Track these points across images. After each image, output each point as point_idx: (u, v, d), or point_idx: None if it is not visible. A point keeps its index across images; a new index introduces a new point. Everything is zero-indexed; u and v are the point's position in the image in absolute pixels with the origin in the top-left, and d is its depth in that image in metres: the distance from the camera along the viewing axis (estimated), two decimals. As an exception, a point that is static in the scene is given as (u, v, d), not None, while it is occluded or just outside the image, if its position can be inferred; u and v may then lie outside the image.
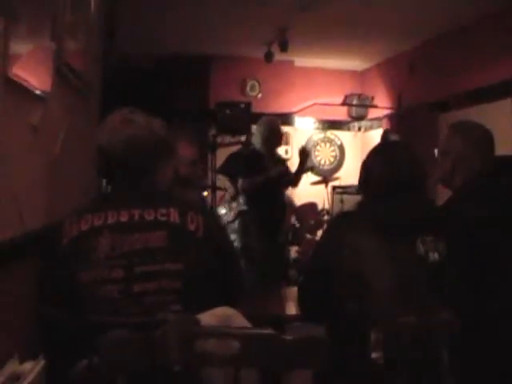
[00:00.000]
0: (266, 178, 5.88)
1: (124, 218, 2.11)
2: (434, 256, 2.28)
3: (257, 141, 6.19)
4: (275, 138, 6.16)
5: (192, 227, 2.15)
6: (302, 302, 2.55)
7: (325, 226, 7.67)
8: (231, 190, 6.70)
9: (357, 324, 2.16)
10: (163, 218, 2.13)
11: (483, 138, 2.77)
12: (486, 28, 6.47)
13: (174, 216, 2.14)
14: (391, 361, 1.81)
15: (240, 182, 6.04)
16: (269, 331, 1.69)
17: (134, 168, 2.19)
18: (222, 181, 6.73)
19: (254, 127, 6.59)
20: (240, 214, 6.47)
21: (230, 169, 6.61)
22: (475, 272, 2.32)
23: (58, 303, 2.10)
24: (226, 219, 6.61)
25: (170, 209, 2.16)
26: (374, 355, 1.79)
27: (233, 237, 6.48)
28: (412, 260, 2.27)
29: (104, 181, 4.09)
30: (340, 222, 2.56)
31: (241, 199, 6.51)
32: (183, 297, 2.07)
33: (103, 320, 1.97)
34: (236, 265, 2.45)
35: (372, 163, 2.54)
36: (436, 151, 2.86)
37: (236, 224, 6.51)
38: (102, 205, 2.20)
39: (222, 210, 6.70)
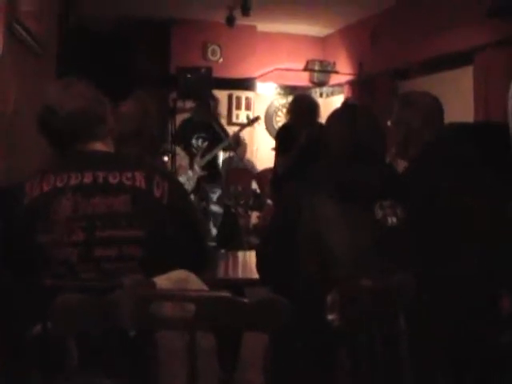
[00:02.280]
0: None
1: (88, 180, 2.04)
2: (392, 220, 2.28)
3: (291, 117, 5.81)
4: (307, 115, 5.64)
5: (157, 193, 2.09)
6: (259, 265, 2.53)
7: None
8: (186, 160, 6.68)
9: (314, 287, 2.17)
10: (128, 182, 2.06)
11: (433, 107, 2.77)
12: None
13: (140, 180, 2.08)
14: (347, 323, 1.81)
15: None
16: (225, 294, 1.68)
17: (80, 125, 2.13)
18: (178, 151, 6.71)
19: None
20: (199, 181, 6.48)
21: (183, 137, 6.58)
22: (433, 237, 2.33)
23: (13, 265, 2.05)
24: (186, 187, 6.60)
25: (135, 172, 2.09)
26: (330, 317, 1.79)
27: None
28: (370, 224, 2.27)
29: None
30: (299, 187, 2.54)
31: (196, 167, 6.51)
32: (144, 264, 2.02)
33: (60, 284, 1.92)
34: (201, 233, 2.38)
35: (332, 127, 2.53)
36: (389, 123, 2.85)
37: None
38: (65, 165, 2.12)
39: (183, 178, 6.69)
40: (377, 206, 2.30)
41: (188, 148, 6.68)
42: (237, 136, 7.26)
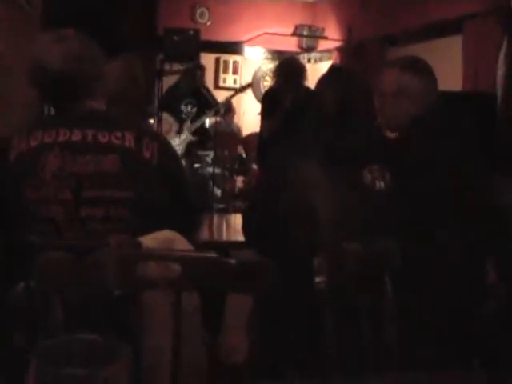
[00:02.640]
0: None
1: (76, 138, 2.01)
2: (380, 185, 2.27)
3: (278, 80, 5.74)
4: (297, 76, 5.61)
5: (147, 154, 2.06)
6: (245, 228, 2.53)
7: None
8: (175, 125, 6.66)
9: (300, 249, 2.16)
10: (117, 142, 2.03)
11: (432, 72, 2.71)
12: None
13: (130, 141, 2.04)
14: (334, 286, 1.81)
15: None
16: (211, 254, 1.67)
17: (73, 81, 2.07)
18: (166, 117, 6.69)
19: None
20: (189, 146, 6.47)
21: (171, 103, 6.54)
22: (421, 206, 2.32)
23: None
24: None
25: (125, 132, 2.05)
26: (316, 279, 1.79)
27: None
28: (358, 187, 2.27)
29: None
30: (286, 150, 2.53)
31: (186, 131, 6.49)
32: (130, 226, 2.01)
33: (44, 242, 1.90)
34: (190, 195, 2.35)
35: (320, 90, 2.50)
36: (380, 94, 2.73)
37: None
38: (54, 121, 2.11)
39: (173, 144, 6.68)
40: (365, 170, 2.29)
41: (177, 114, 6.65)
42: (228, 102, 7.21)
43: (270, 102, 5.84)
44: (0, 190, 2.02)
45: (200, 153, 6.86)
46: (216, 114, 6.90)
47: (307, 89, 5.54)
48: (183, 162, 6.48)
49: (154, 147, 2.08)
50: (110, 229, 1.97)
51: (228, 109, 7.38)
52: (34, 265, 1.61)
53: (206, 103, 6.82)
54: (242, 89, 7.20)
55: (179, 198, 2.21)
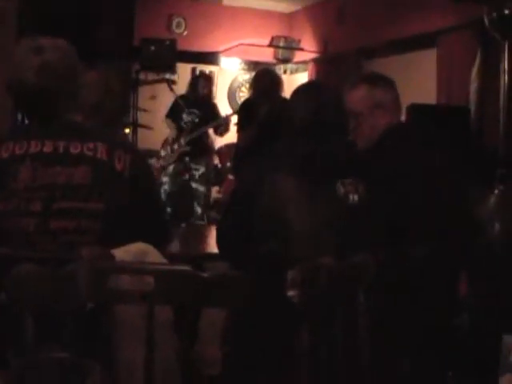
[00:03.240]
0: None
1: (48, 149, 1.99)
2: (354, 198, 2.28)
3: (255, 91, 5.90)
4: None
5: (119, 166, 2.04)
6: (220, 240, 2.52)
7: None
8: (174, 132, 6.68)
9: (274, 263, 2.16)
10: (89, 153, 2.01)
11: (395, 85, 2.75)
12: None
13: (102, 152, 2.03)
14: (307, 300, 1.81)
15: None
16: (184, 267, 1.66)
17: (49, 100, 2.06)
18: (168, 124, 6.73)
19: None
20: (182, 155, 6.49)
21: (176, 112, 6.58)
22: (394, 218, 2.34)
23: None
24: (168, 161, 6.60)
25: (97, 143, 2.04)
26: (290, 293, 1.79)
27: (165, 179, 6.50)
28: (331, 201, 2.27)
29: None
30: (260, 163, 2.53)
31: (182, 140, 6.51)
32: (102, 238, 1.98)
33: (17, 254, 1.88)
34: (161, 209, 2.38)
35: (295, 103, 2.51)
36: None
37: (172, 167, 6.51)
38: (25, 133, 2.08)
39: (163, 153, 6.70)
40: (338, 183, 2.30)
41: (178, 122, 6.68)
42: (228, 119, 7.14)
43: (246, 113, 5.92)
44: None
45: (193, 164, 6.87)
46: (216, 128, 6.95)
47: (284, 100, 5.57)
48: (172, 168, 6.52)
49: (126, 159, 2.06)
50: (81, 241, 1.95)
51: (227, 127, 7.26)
52: (5, 278, 1.59)
53: (208, 116, 6.86)
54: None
55: (151, 210, 2.19)
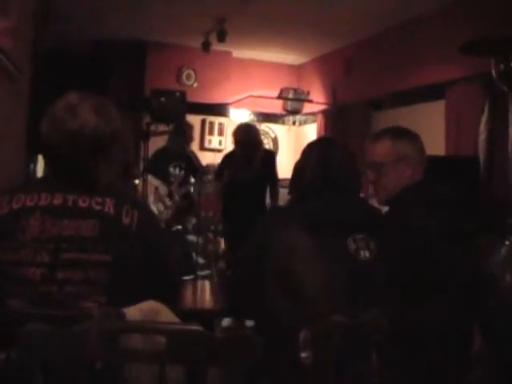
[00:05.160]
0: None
1: (57, 202, 2.03)
2: (365, 254, 2.27)
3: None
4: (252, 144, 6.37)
5: (126, 221, 2.06)
6: (231, 296, 2.51)
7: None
8: (163, 189, 6.65)
9: (285, 322, 2.14)
10: (97, 207, 2.05)
11: (418, 137, 2.76)
12: (422, 29, 6.57)
13: (109, 206, 2.06)
14: (320, 360, 1.79)
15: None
16: (196, 327, 1.65)
17: (74, 163, 2.10)
18: (151, 180, 6.67)
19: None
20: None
21: (159, 166, 6.58)
22: (406, 277, 2.31)
23: None
24: (164, 216, 6.56)
25: (105, 198, 2.07)
26: (302, 355, 1.77)
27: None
28: (343, 258, 2.26)
29: (32, 166, 3.98)
30: (272, 218, 2.53)
31: (176, 196, 6.50)
32: (109, 290, 2.00)
33: (22, 310, 1.90)
34: (170, 264, 2.34)
35: (306, 161, 2.52)
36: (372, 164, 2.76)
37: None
38: (37, 186, 2.12)
39: (160, 207, 6.64)
40: (350, 239, 2.29)
41: (165, 176, 6.67)
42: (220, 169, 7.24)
43: (226, 163, 6.64)
44: None
45: (184, 218, 6.84)
46: (202, 179, 6.97)
47: (265, 150, 6.71)
48: (176, 227, 6.50)
49: (133, 215, 2.09)
50: (88, 292, 1.97)
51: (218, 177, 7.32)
52: (15, 335, 1.59)
53: (192, 168, 6.88)
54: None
55: (158, 265, 2.20)
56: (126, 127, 3.27)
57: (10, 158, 3.18)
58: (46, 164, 2.25)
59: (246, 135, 6.35)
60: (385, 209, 2.65)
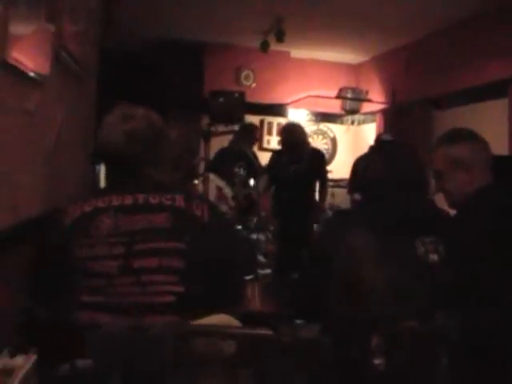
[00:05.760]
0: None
1: (128, 201, 2.10)
2: (434, 257, 2.24)
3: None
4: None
5: (198, 212, 2.13)
6: (296, 301, 2.51)
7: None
8: (228, 190, 6.68)
9: (354, 325, 2.13)
10: (168, 202, 2.11)
11: (480, 138, 2.69)
12: (483, 26, 6.44)
13: (180, 201, 2.13)
14: (391, 365, 1.77)
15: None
16: (266, 332, 1.66)
17: (134, 161, 2.18)
18: (215, 180, 6.71)
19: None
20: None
21: (222, 165, 6.62)
22: (476, 281, 2.27)
23: (48, 290, 2.05)
24: (228, 217, 6.60)
25: (175, 195, 2.14)
26: (376, 361, 1.75)
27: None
28: (411, 261, 2.24)
29: (97, 168, 4.05)
30: (337, 221, 2.52)
31: (239, 196, 6.52)
32: (184, 277, 2.04)
33: (98, 300, 1.96)
34: (238, 260, 2.38)
35: (371, 162, 2.50)
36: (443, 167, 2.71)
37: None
38: (106, 191, 2.21)
39: (224, 208, 6.67)
40: (418, 242, 2.27)
41: (229, 177, 6.71)
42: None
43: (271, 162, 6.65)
44: (53, 254, 2.07)
45: (246, 217, 6.84)
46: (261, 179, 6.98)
47: (313, 149, 6.64)
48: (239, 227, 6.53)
49: (204, 208, 2.16)
50: (164, 281, 2.01)
51: None
52: (86, 341, 1.61)
53: (253, 168, 6.92)
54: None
55: (228, 258, 2.24)
56: (189, 129, 3.34)
57: (79, 163, 3.25)
58: (108, 170, 2.32)
59: (292, 135, 6.30)
60: (452, 211, 2.61)
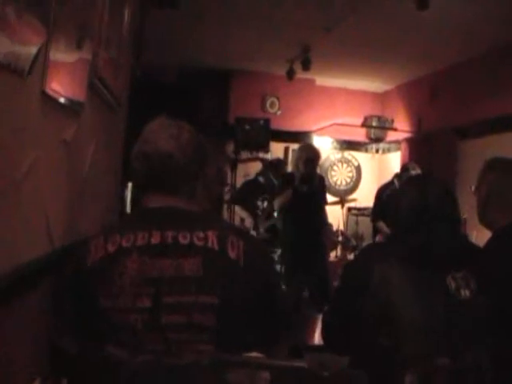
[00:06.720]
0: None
1: (155, 240, 1.88)
2: (465, 293, 2.22)
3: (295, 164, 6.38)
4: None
5: (233, 255, 1.90)
6: (325, 333, 2.49)
7: (339, 247, 7.64)
8: (249, 221, 6.69)
9: (386, 359, 2.11)
10: (200, 243, 1.88)
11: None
12: (508, 57, 6.44)
13: (213, 241, 1.89)
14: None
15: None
16: (302, 364, 1.65)
17: (176, 175, 2.00)
18: (238, 210, 6.73)
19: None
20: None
21: (246, 197, 6.64)
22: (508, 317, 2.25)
23: (73, 330, 1.91)
24: None
25: (208, 232, 1.91)
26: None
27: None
28: (443, 296, 2.22)
29: (128, 192, 4.08)
30: (369, 253, 2.51)
31: (261, 228, 6.52)
32: (215, 335, 1.83)
33: (124, 356, 1.76)
34: (280, 300, 2.15)
35: (402, 195, 2.49)
36: (472, 187, 2.77)
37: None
38: (132, 224, 1.99)
39: None
40: (449, 278, 2.25)
41: (252, 209, 6.72)
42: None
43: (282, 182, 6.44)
44: (78, 298, 1.90)
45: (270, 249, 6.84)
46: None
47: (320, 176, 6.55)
48: None
49: (240, 246, 1.91)
50: (193, 339, 1.82)
51: None
52: (118, 376, 1.59)
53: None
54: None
55: (269, 301, 2.01)
56: (218, 156, 3.33)
57: (110, 189, 3.28)
58: (139, 191, 2.15)
59: (310, 153, 6.26)
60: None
